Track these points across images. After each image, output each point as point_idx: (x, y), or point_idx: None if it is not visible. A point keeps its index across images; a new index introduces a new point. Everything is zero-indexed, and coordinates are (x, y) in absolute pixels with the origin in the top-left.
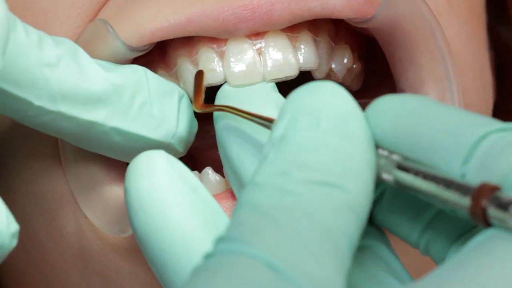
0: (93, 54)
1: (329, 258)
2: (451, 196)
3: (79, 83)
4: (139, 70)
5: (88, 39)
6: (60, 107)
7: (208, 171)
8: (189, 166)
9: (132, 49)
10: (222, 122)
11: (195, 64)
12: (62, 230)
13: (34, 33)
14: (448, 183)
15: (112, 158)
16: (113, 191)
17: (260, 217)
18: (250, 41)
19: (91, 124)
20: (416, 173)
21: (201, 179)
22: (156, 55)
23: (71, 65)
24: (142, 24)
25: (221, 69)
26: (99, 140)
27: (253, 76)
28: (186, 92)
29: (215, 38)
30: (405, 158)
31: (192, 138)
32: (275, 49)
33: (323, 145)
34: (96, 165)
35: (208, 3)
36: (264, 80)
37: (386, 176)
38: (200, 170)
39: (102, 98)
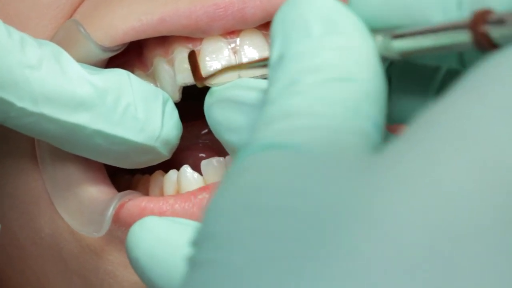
0: None
1: (349, 132)
2: (451, 37)
3: (62, 85)
4: (123, 74)
5: (60, 40)
6: (42, 109)
7: (187, 169)
8: (166, 165)
9: (105, 49)
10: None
11: (171, 63)
12: (40, 232)
13: (17, 34)
14: (445, 27)
15: (89, 159)
16: (89, 192)
17: (274, 118)
18: (225, 40)
19: (74, 127)
20: (412, 33)
21: (179, 177)
22: (133, 56)
23: (54, 67)
24: (115, 24)
25: None
26: (82, 142)
27: (228, 75)
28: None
29: (190, 37)
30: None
31: (177, 142)
32: (251, 47)
33: (321, 48)
34: (73, 166)
35: (180, 2)
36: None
37: (389, 53)
38: (178, 169)
39: (85, 101)
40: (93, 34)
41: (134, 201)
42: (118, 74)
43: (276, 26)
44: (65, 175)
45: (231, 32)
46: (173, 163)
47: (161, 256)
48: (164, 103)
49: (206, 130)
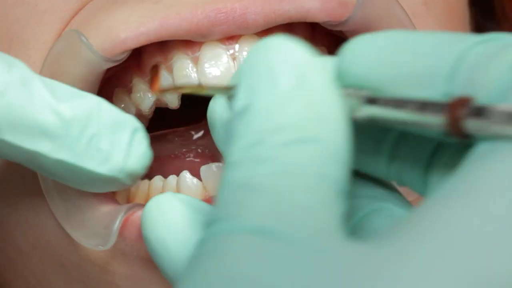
0: (68, 66)
1: (316, 206)
2: (424, 117)
3: (26, 113)
4: (93, 102)
5: (61, 49)
6: (4, 135)
7: (186, 174)
8: (159, 173)
9: (107, 59)
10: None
11: (170, 70)
12: (40, 239)
13: None
14: (423, 105)
15: None
16: (90, 202)
17: (240, 191)
18: (224, 46)
19: (36, 154)
20: (386, 102)
21: (179, 183)
22: (132, 62)
23: (19, 95)
24: (115, 30)
25: (196, 75)
26: (45, 169)
27: (227, 81)
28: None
29: (189, 43)
30: (376, 91)
31: (143, 171)
32: None
33: (287, 104)
34: None
35: (181, 7)
36: None
37: (359, 114)
38: (177, 174)
39: (48, 130)
40: (92, 41)
41: (138, 214)
42: (88, 103)
43: (243, 71)
44: (66, 187)
45: (230, 37)
46: (172, 168)
47: (170, 244)
48: (134, 132)
49: (201, 134)
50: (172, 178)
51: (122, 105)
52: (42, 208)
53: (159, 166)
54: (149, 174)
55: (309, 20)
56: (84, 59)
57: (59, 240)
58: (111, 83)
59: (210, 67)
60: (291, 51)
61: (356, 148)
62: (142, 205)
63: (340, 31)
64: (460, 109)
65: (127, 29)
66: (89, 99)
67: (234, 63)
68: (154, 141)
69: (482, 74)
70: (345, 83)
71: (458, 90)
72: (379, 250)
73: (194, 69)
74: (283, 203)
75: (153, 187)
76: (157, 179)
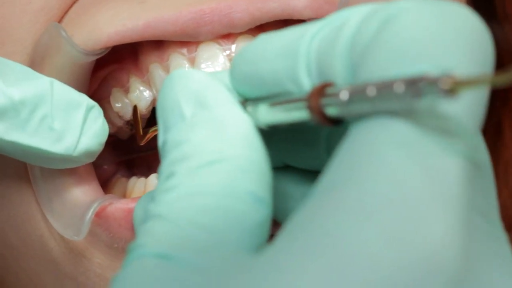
0: (50, 59)
1: (220, 225)
2: (296, 112)
3: None
4: (45, 83)
5: (44, 44)
6: None
7: None
8: (155, 171)
9: (87, 53)
10: None
11: (167, 70)
12: (31, 233)
13: None
14: (291, 101)
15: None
16: (73, 194)
17: (151, 220)
18: (220, 46)
19: None
20: (270, 104)
21: None
22: (129, 62)
23: None
24: (99, 28)
25: None
26: (4, 151)
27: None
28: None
29: (185, 44)
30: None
31: (100, 148)
32: None
33: (194, 131)
34: (60, 169)
35: (166, 8)
36: None
37: (259, 123)
38: None
39: None
40: (77, 38)
41: (115, 205)
42: (40, 84)
43: (158, 112)
44: (51, 175)
45: (226, 36)
46: (149, 167)
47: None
48: (88, 110)
49: None
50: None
51: (119, 105)
52: (33, 203)
53: (156, 164)
54: (145, 172)
55: (295, 17)
56: (64, 51)
57: (48, 234)
58: (108, 83)
59: (207, 68)
60: (192, 79)
61: (298, 148)
62: (117, 196)
63: None
64: (316, 98)
65: (111, 29)
66: (41, 80)
67: (230, 63)
68: (151, 138)
69: (329, 60)
70: (237, 89)
71: (318, 81)
72: (258, 260)
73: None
74: (185, 227)
75: (149, 185)
76: (153, 177)
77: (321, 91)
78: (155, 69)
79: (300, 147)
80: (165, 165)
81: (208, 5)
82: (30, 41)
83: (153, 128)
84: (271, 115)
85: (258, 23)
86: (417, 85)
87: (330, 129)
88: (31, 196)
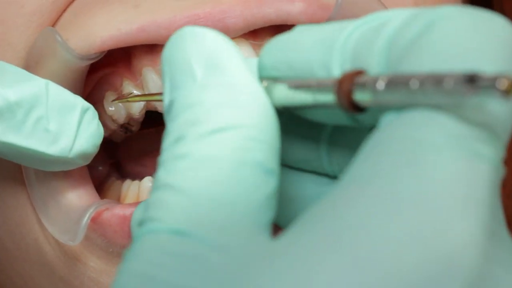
0: (45, 63)
1: (234, 198)
2: (320, 95)
3: None
4: (40, 84)
5: (39, 48)
6: None
7: None
8: (150, 174)
9: (81, 57)
10: None
11: (160, 74)
12: (26, 237)
13: None
14: (320, 83)
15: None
16: (68, 198)
17: (163, 191)
18: None
19: None
20: (291, 84)
21: None
22: (122, 66)
23: None
24: (93, 33)
25: None
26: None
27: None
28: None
29: None
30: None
31: (95, 150)
32: None
33: (206, 93)
34: (54, 172)
35: (160, 12)
36: None
37: (274, 101)
38: None
39: None
40: (72, 42)
41: (111, 211)
42: (35, 86)
43: (163, 68)
44: (46, 178)
45: None
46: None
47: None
48: (83, 112)
49: None
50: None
51: (113, 108)
52: (28, 206)
53: (150, 166)
54: (140, 175)
55: (289, 22)
56: (59, 56)
57: (43, 239)
58: (102, 86)
59: None
60: (205, 39)
61: (297, 148)
62: (114, 201)
63: None
64: (347, 83)
65: (105, 33)
66: (37, 82)
67: None
68: (144, 139)
69: (365, 56)
70: (263, 74)
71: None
72: (278, 246)
73: None
74: (200, 200)
75: (143, 188)
76: (147, 180)
77: (353, 76)
78: (148, 73)
79: (300, 148)
80: (174, 126)
81: (202, 9)
82: (24, 44)
83: (133, 95)
84: (290, 95)
85: (252, 28)
86: (474, 82)
87: (334, 130)
88: (26, 199)
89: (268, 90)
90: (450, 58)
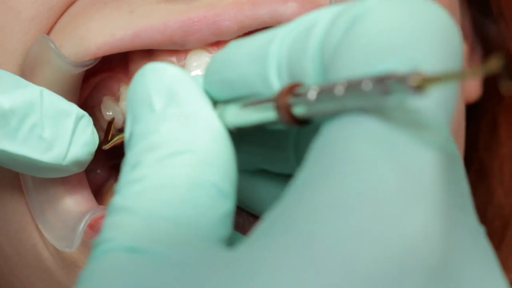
0: (40, 70)
1: (188, 216)
2: (264, 113)
3: None
4: (34, 92)
5: (33, 55)
6: None
7: None
8: None
9: (76, 64)
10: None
11: None
12: (25, 243)
13: None
14: (260, 102)
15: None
16: (65, 204)
17: (117, 213)
18: (209, 54)
19: None
20: (240, 106)
21: None
22: (119, 71)
23: None
24: (88, 39)
25: None
26: None
27: None
28: None
29: (175, 52)
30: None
31: (89, 157)
32: None
33: (161, 122)
34: (52, 178)
35: (154, 17)
36: None
37: (227, 123)
38: None
39: None
40: (66, 48)
41: None
42: (30, 93)
43: (127, 104)
44: (43, 184)
45: (215, 44)
46: None
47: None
48: (77, 120)
49: None
50: None
51: (110, 113)
52: (26, 212)
53: None
54: None
55: (283, 23)
56: (53, 63)
57: (41, 245)
58: (99, 91)
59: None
60: (165, 73)
61: (268, 151)
62: None
63: None
64: (283, 98)
65: (100, 41)
66: (31, 89)
67: None
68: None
69: (300, 62)
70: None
71: (288, 82)
72: (235, 255)
73: None
74: (155, 219)
75: None
76: None
77: (290, 90)
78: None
79: (270, 151)
80: (131, 155)
81: (196, 13)
82: (21, 51)
83: (121, 135)
84: (239, 116)
85: (246, 31)
86: (385, 83)
87: (298, 132)
88: (24, 206)
89: (221, 115)
90: (373, 56)
